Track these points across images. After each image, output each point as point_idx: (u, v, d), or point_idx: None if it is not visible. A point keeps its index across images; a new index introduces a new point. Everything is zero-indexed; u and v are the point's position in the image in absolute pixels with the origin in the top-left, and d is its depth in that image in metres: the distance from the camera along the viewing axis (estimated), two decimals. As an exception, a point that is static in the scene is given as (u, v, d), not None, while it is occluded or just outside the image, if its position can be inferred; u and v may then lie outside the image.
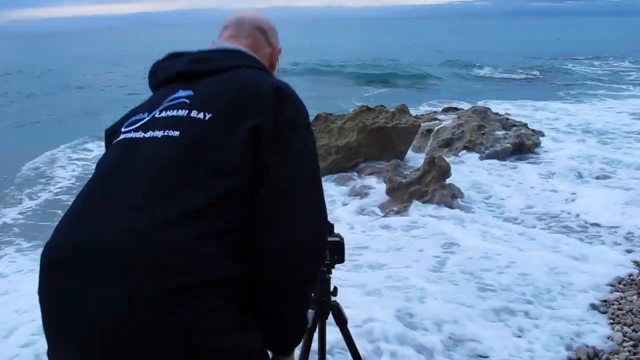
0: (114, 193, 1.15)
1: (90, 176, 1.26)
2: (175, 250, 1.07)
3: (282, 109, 1.26)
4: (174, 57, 1.43)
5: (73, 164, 8.83)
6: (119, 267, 1.05)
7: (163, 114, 1.26)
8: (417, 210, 5.46)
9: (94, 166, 1.30)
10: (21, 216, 6.34)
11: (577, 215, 5.18)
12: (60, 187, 7.50)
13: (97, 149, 9.37)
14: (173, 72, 1.36)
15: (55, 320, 1.12)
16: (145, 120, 1.28)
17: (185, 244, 1.08)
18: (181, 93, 1.30)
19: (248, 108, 1.24)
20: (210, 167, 1.17)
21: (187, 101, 1.27)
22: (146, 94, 1.43)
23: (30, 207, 6.67)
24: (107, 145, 1.37)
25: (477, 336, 3.13)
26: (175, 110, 1.26)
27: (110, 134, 1.37)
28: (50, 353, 1.14)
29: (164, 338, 1.05)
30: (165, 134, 1.21)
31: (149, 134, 1.23)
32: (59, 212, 6.15)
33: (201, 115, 1.23)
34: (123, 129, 1.30)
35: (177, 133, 1.21)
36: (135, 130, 1.27)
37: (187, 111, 1.24)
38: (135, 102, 1.42)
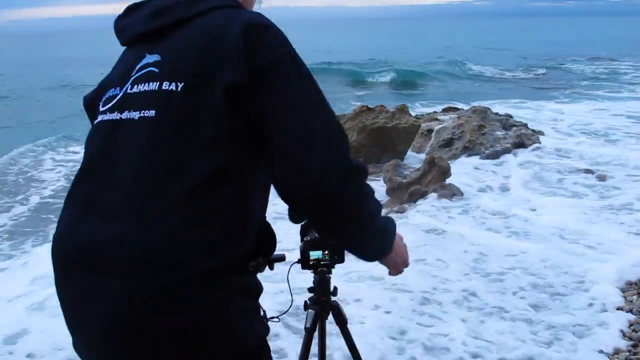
0: (103, 190, 1.12)
1: (81, 163, 1.22)
2: (167, 246, 1.04)
3: (256, 49, 1.10)
4: (134, 9, 1.29)
5: (59, 165, 8.73)
6: (116, 267, 1.05)
7: (135, 89, 1.17)
8: (420, 207, 5.48)
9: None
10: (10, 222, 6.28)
11: (579, 218, 5.18)
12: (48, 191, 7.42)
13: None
14: (135, 33, 1.25)
15: (67, 317, 1.14)
16: (119, 97, 1.20)
17: (177, 237, 1.05)
18: (148, 59, 1.19)
19: (218, 64, 1.10)
20: (193, 146, 1.08)
21: (156, 70, 1.16)
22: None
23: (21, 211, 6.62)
24: (89, 117, 1.33)
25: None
26: (147, 84, 1.16)
27: (89, 105, 1.33)
28: (73, 344, 1.17)
29: (163, 338, 1.05)
30: (142, 114, 1.13)
31: (125, 115, 1.16)
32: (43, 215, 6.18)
33: (173, 87, 1.12)
34: (101, 107, 1.24)
35: (152, 112, 1.12)
36: (111, 110, 1.19)
37: (158, 84, 1.14)
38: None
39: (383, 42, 48.24)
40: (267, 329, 1.23)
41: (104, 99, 1.25)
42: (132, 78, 1.19)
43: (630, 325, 3.16)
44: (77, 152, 9.24)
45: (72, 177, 1.23)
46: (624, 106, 12.25)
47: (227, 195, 1.09)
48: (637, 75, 19.95)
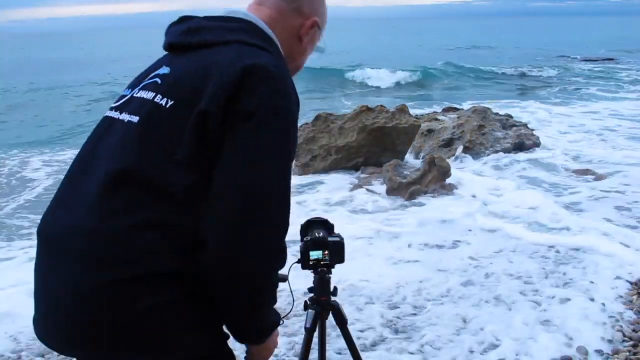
0: (81, 182, 1.19)
1: (78, 151, 1.29)
2: (115, 243, 1.09)
3: (244, 93, 1.11)
4: (183, 20, 1.33)
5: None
6: (72, 256, 1.12)
7: (138, 94, 1.23)
8: (427, 204, 5.53)
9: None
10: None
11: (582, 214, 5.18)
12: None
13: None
14: (168, 42, 1.29)
15: (34, 293, 1.21)
16: (126, 98, 1.26)
17: (126, 237, 1.09)
18: (161, 70, 1.25)
19: (205, 92, 1.12)
20: (160, 160, 1.12)
21: (159, 81, 1.22)
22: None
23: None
24: None
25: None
26: (146, 92, 1.21)
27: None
28: (33, 317, 1.23)
29: (93, 330, 1.09)
30: (130, 118, 1.19)
31: (122, 116, 1.22)
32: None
33: (164, 102, 1.17)
34: (112, 104, 1.30)
35: (136, 119, 1.18)
36: (116, 109, 1.26)
37: (153, 94, 1.19)
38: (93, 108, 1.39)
39: (382, 41, 48.17)
40: (217, 342, 1.22)
41: (119, 94, 1.32)
42: (142, 84, 1.25)
43: (631, 325, 3.15)
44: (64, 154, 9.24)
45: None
46: (621, 106, 12.25)
47: (182, 211, 1.11)
48: (635, 74, 19.94)
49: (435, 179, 5.84)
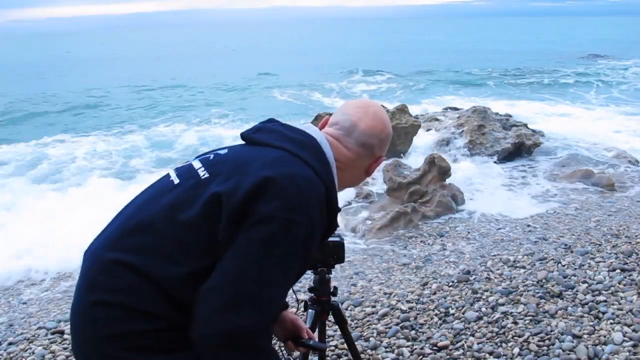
0: (120, 214, 1.46)
1: None
2: (104, 271, 1.28)
3: (261, 194, 1.25)
4: (264, 122, 1.52)
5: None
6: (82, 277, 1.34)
7: (194, 162, 1.44)
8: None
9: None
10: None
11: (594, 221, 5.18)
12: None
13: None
14: (243, 133, 1.49)
15: None
16: (186, 162, 1.49)
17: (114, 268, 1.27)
18: (221, 150, 1.45)
19: (227, 175, 1.30)
20: (172, 215, 1.28)
21: (211, 157, 1.42)
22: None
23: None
24: None
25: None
26: (198, 162, 1.42)
27: None
28: None
29: (90, 338, 1.25)
30: (175, 179, 1.39)
31: (172, 175, 1.43)
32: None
33: (202, 173, 1.35)
34: (178, 165, 1.54)
35: (177, 181, 1.38)
36: (176, 169, 1.48)
37: (201, 165, 1.39)
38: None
39: (382, 41, 48.15)
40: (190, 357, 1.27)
41: None
42: (202, 156, 1.48)
43: (630, 325, 3.15)
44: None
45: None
46: (616, 106, 12.25)
47: (171, 265, 1.26)
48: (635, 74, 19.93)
49: (435, 179, 5.84)
